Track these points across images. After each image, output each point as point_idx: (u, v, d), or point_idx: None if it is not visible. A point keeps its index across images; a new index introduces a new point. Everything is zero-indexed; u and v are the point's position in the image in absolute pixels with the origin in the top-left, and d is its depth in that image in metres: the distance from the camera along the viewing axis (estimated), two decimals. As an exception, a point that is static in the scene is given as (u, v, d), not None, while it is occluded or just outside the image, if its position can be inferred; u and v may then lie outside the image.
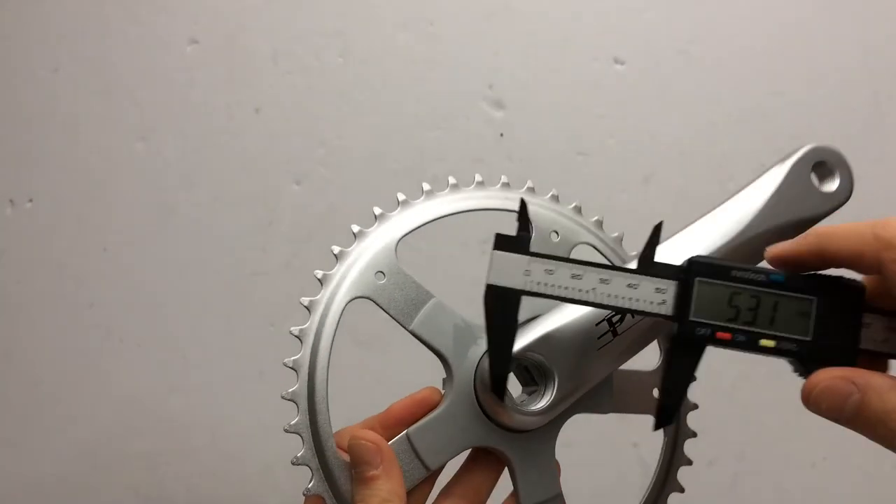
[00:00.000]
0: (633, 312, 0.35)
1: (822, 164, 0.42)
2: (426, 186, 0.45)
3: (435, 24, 0.83)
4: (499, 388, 0.37)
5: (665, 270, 0.34)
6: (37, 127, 0.85)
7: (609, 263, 0.37)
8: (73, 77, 0.85)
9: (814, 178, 0.42)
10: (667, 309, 0.34)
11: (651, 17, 0.82)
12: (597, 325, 0.40)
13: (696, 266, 0.34)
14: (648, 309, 0.34)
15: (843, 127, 0.80)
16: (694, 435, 0.48)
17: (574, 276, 0.34)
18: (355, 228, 0.42)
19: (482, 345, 0.41)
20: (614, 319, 0.40)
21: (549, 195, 0.47)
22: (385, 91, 0.83)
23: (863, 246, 0.31)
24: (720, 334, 0.33)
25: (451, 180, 0.45)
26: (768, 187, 0.41)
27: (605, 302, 0.34)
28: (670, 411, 0.34)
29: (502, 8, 0.83)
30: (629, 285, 0.34)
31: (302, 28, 0.84)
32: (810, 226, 0.41)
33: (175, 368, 0.81)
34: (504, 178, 0.46)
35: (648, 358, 0.45)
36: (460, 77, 0.82)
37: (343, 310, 0.41)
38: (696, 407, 0.48)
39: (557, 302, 0.41)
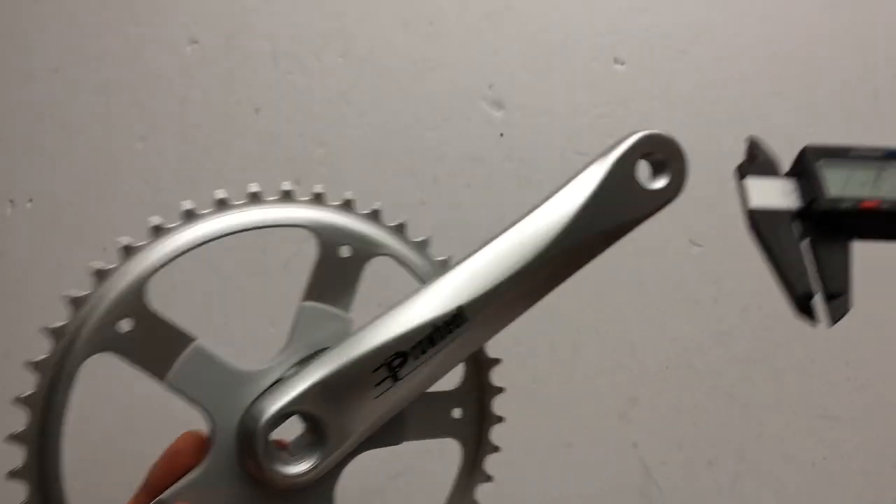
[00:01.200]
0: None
1: (652, 154, 0.38)
2: (187, 205, 0.38)
3: (435, 24, 0.83)
4: (805, 307, 0.32)
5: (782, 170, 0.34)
6: (37, 127, 0.85)
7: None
8: (73, 77, 0.85)
9: (641, 172, 0.37)
10: (794, 201, 0.33)
11: (651, 17, 0.82)
12: (373, 371, 0.35)
13: (813, 152, 0.33)
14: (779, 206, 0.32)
15: (843, 127, 0.80)
16: (500, 420, 0.42)
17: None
18: (97, 265, 0.36)
19: (248, 394, 0.36)
20: (395, 364, 0.35)
21: (341, 201, 0.39)
22: (385, 91, 0.83)
23: None
24: (866, 204, 0.31)
25: (220, 195, 0.38)
26: (585, 188, 0.36)
27: None
28: (842, 298, 0.32)
29: (502, 8, 0.83)
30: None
31: (302, 28, 0.84)
32: (634, 227, 0.37)
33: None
34: (286, 185, 0.39)
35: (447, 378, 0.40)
36: (460, 77, 0.82)
37: (77, 372, 0.34)
38: (501, 391, 0.42)
39: (346, 335, 0.36)
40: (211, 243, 0.37)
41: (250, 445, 0.34)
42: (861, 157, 0.32)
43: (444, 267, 0.39)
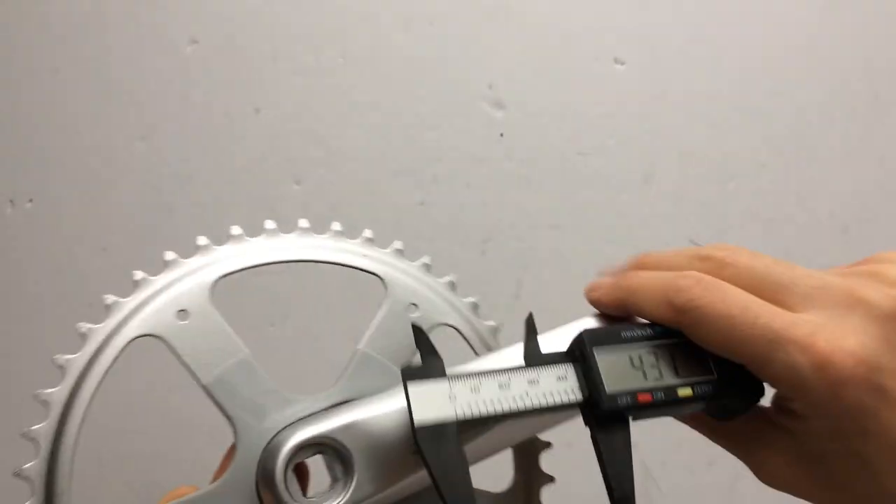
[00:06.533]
0: (553, 410, 0.30)
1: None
2: (270, 225, 0.39)
3: (435, 24, 0.83)
4: None
5: (555, 357, 0.32)
6: (37, 127, 0.85)
7: (517, 366, 0.31)
8: (73, 77, 0.85)
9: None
10: (576, 395, 0.31)
11: (651, 17, 0.82)
12: None
13: (589, 337, 0.32)
14: (562, 401, 0.30)
15: (843, 127, 0.80)
16: (551, 480, 0.40)
17: (502, 386, 0.30)
18: (170, 256, 0.37)
19: (280, 419, 0.34)
20: None
21: (420, 263, 0.39)
22: (385, 91, 0.83)
23: (662, 316, 0.31)
24: (641, 397, 0.30)
25: (304, 224, 0.39)
26: None
27: (527, 406, 0.30)
28: (630, 499, 0.30)
29: (502, 8, 0.83)
30: (530, 382, 0.30)
31: (302, 28, 0.84)
32: None
33: (175, 368, 0.81)
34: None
35: (498, 475, 0.38)
36: (460, 77, 0.82)
37: (125, 346, 0.35)
38: (549, 446, 0.41)
39: (381, 387, 0.34)
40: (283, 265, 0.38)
41: (268, 475, 0.32)
42: (634, 338, 0.32)
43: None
